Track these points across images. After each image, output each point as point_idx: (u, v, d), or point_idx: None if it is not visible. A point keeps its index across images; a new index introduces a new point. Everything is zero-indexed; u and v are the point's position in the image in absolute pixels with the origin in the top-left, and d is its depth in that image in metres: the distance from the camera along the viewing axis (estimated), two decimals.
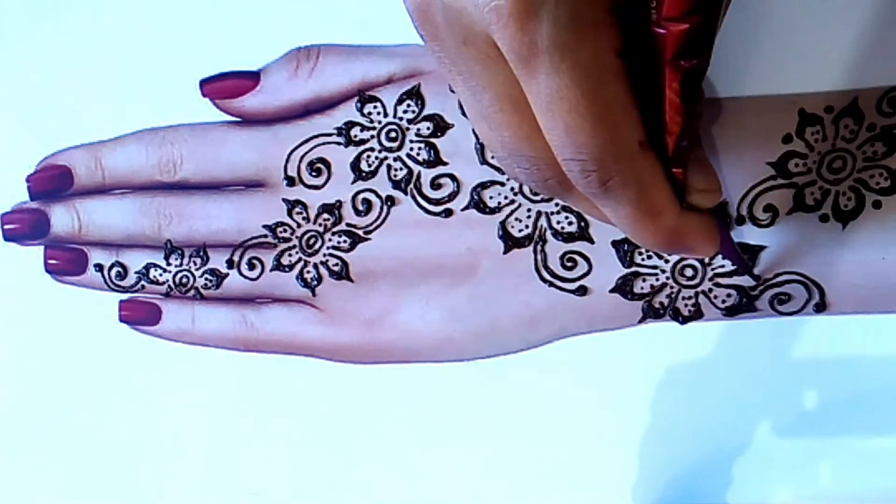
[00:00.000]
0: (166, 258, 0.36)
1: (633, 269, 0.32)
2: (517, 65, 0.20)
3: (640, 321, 0.32)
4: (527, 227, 0.33)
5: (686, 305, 0.32)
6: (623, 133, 0.21)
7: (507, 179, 0.32)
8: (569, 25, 0.19)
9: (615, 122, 0.20)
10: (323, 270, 0.35)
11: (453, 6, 0.20)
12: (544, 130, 0.21)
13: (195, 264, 0.36)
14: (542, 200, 0.32)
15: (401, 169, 0.33)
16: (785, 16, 0.29)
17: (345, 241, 0.34)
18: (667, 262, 0.32)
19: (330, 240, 0.35)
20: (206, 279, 0.36)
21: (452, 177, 0.33)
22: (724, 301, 0.31)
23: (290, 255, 0.35)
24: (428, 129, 0.33)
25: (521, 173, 0.23)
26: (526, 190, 0.32)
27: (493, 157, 0.32)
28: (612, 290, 0.32)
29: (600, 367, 0.33)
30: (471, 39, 0.20)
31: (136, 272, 0.37)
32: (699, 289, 0.32)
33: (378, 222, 0.34)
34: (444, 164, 0.33)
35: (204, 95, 0.35)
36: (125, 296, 0.37)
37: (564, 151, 0.21)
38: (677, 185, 0.23)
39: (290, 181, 0.34)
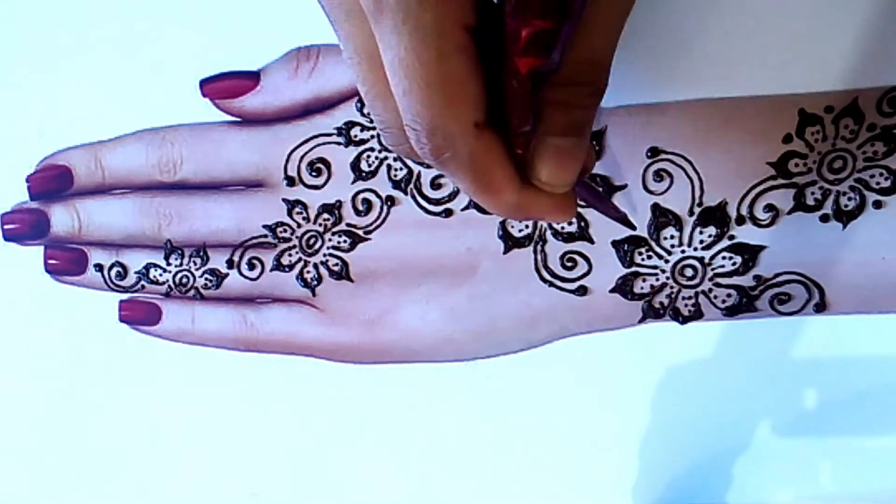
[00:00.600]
0: (166, 258, 0.36)
1: (633, 269, 0.32)
2: (370, 20, 0.20)
3: (640, 321, 0.32)
4: (527, 227, 0.33)
5: (686, 305, 0.32)
6: (458, 109, 0.20)
7: None
8: None
9: (451, 96, 0.20)
10: (323, 270, 0.35)
11: None
12: (392, 90, 0.21)
13: (195, 264, 0.36)
14: None
15: (401, 169, 0.33)
16: (785, 16, 0.29)
17: (345, 241, 0.34)
18: (667, 262, 0.32)
19: (330, 240, 0.35)
20: (206, 279, 0.36)
21: None
22: (724, 301, 0.31)
23: (290, 255, 0.35)
24: None
25: (380, 132, 0.23)
26: None
27: None
28: (612, 290, 0.32)
29: (600, 367, 0.33)
30: None
31: (136, 272, 0.37)
32: (699, 289, 0.32)
33: (378, 222, 0.34)
34: None
35: (204, 95, 0.35)
36: (125, 296, 0.37)
37: (405, 115, 0.21)
38: (520, 164, 0.23)
39: (290, 181, 0.34)
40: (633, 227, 0.31)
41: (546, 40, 0.19)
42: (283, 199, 0.35)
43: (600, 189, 0.31)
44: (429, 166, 0.32)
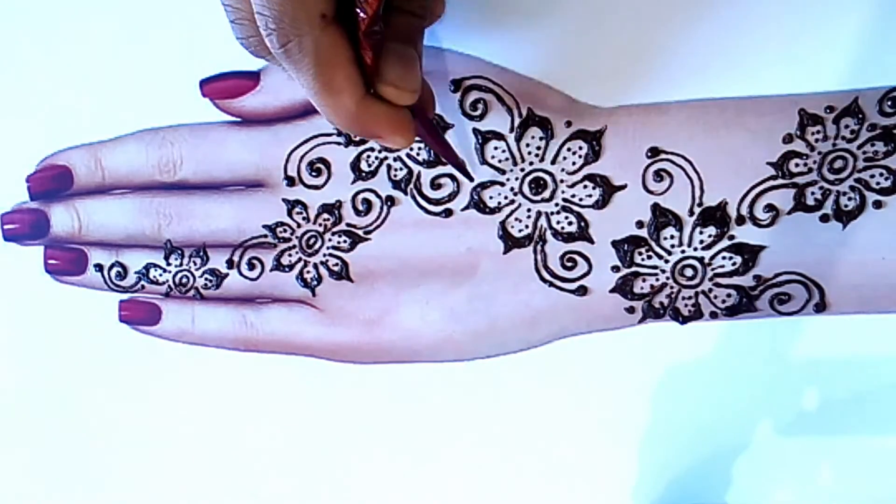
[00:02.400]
0: (166, 258, 0.36)
1: (633, 269, 0.32)
2: None
3: (640, 321, 0.32)
4: (527, 227, 0.33)
5: (686, 305, 0.32)
6: (306, 0, 0.22)
7: (507, 179, 0.32)
8: None
9: None
10: (323, 270, 0.35)
11: None
12: None
13: (195, 264, 0.36)
14: (542, 200, 0.32)
15: (401, 169, 0.33)
16: (785, 16, 0.29)
17: (345, 241, 0.34)
18: (667, 262, 0.32)
19: (330, 240, 0.35)
20: (206, 279, 0.36)
21: (452, 177, 0.33)
22: (724, 301, 0.31)
23: (290, 255, 0.35)
24: None
25: (231, 26, 0.24)
26: (526, 190, 0.32)
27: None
28: (612, 290, 0.32)
29: (600, 367, 0.33)
30: None
31: (136, 272, 0.37)
32: (699, 289, 0.32)
33: (378, 222, 0.34)
34: (444, 164, 0.33)
35: (204, 95, 0.35)
36: (125, 296, 0.37)
37: (255, 3, 0.22)
38: (365, 71, 0.24)
39: (290, 181, 0.34)
40: (470, 178, 0.32)
41: None
42: (283, 199, 0.35)
43: (440, 128, 0.31)
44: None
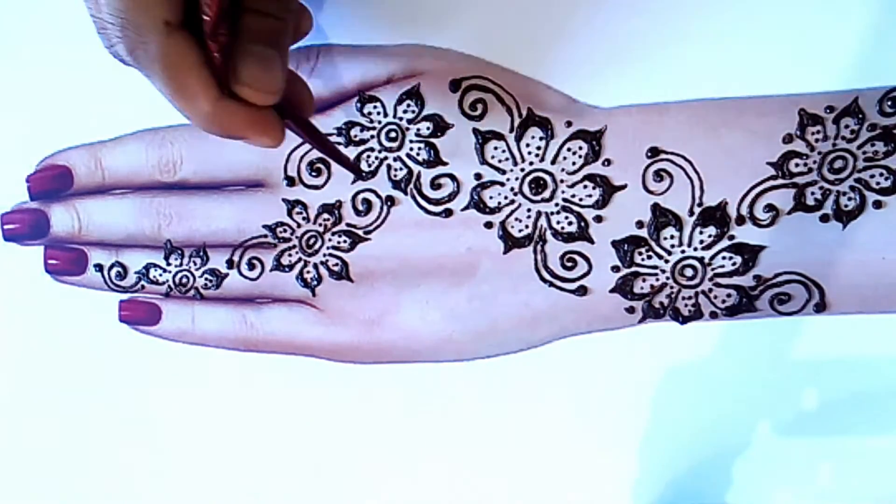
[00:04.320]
0: (166, 258, 0.36)
1: (633, 269, 0.32)
2: None
3: (640, 321, 0.32)
4: (527, 227, 0.33)
5: (686, 305, 0.32)
6: (148, 8, 0.22)
7: (507, 179, 0.32)
8: None
9: None
10: (323, 270, 0.35)
11: None
12: None
13: (195, 264, 0.36)
14: (542, 200, 0.32)
15: (401, 169, 0.33)
16: (785, 16, 0.29)
17: (345, 241, 0.34)
18: (666, 262, 0.32)
19: (330, 240, 0.35)
20: (206, 279, 0.36)
21: (452, 177, 0.33)
22: (724, 301, 0.31)
23: (290, 255, 0.35)
24: (428, 129, 0.33)
25: (100, 36, 0.24)
26: (526, 190, 0.32)
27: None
28: (612, 290, 0.32)
29: (600, 367, 0.33)
30: None
31: (136, 272, 0.37)
32: (699, 289, 0.32)
33: (378, 222, 0.34)
34: (444, 164, 0.33)
35: None
36: (125, 296, 0.37)
37: (104, 13, 0.23)
38: (217, 73, 0.24)
39: (290, 181, 0.34)
40: (360, 175, 0.32)
41: None
42: (283, 199, 0.35)
43: (322, 134, 0.30)
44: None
